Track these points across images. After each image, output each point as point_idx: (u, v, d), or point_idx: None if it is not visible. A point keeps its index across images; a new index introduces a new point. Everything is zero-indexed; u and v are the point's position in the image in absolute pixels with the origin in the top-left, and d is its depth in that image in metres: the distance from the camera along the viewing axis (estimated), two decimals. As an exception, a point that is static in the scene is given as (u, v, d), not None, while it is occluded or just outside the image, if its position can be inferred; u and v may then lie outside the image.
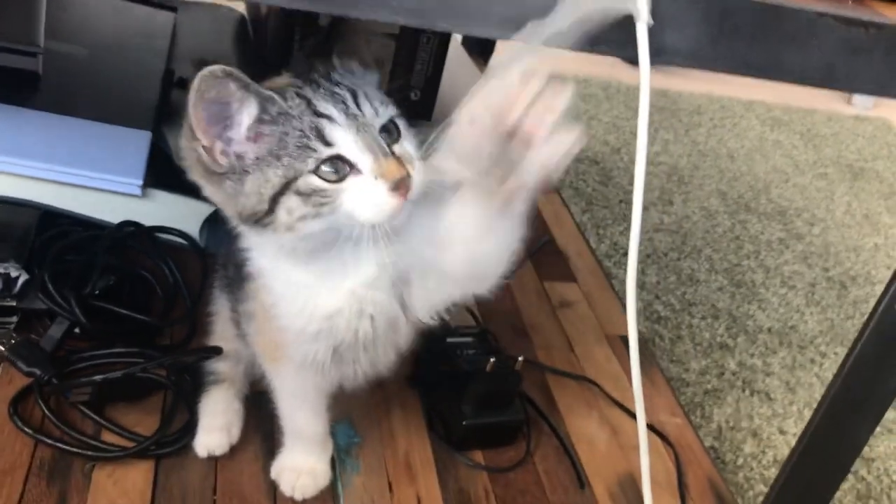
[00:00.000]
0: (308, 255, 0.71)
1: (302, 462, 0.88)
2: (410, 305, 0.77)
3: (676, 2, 0.57)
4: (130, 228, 1.05)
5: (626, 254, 1.89)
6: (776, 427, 1.49)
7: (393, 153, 0.67)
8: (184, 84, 1.30)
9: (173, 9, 1.49)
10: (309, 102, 0.66)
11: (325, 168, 0.65)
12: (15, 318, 0.96)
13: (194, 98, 0.62)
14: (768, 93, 2.94)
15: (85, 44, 1.24)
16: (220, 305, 0.96)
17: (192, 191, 0.69)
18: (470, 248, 0.68)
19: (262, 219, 0.66)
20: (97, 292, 0.99)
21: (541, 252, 1.38)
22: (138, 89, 1.21)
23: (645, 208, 2.10)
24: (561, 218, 1.50)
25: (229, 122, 0.65)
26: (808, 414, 1.54)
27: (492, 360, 0.94)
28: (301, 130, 0.65)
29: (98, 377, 0.88)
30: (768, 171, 2.42)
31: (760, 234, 2.08)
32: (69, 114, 1.11)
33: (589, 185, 2.10)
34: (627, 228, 1.94)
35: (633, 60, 0.56)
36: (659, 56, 0.57)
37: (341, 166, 0.65)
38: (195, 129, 0.64)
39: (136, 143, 1.09)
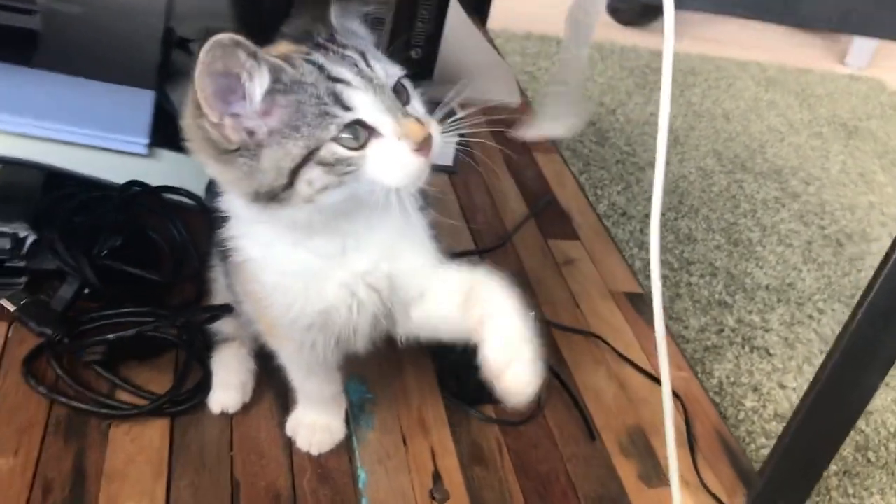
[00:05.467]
0: (319, 229, 0.69)
1: (317, 419, 0.88)
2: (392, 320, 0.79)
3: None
4: (137, 188, 1.05)
5: (624, 213, 1.91)
6: (776, 382, 1.50)
7: (408, 113, 0.66)
8: (184, 44, 1.29)
9: (169, -34, 1.47)
10: (321, 68, 0.64)
11: (344, 135, 0.63)
12: (24, 279, 0.96)
13: (200, 70, 0.59)
14: (762, 53, 2.93)
15: (82, 1, 1.23)
16: (218, 273, 0.95)
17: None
18: (432, 323, 0.78)
19: (278, 194, 0.64)
20: (105, 252, 0.98)
21: (544, 211, 1.38)
22: (139, 48, 1.20)
23: (641, 169, 2.10)
24: (563, 178, 1.50)
25: (240, 95, 0.62)
26: (807, 369, 1.56)
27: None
28: (318, 97, 0.62)
29: (111, 335, 0.88)
30: (763, 131, 2.42)
31: (756, 193, 2.09)
32: (70, 73, 1.09)
33: (586, 147, 2.10)
34: (625, 189, 1.96)
35: (634, 20, 0.56)
36: (683, 3, 0.56)
37: (361, 131, 0.63)
38: (203, 103, 0.60)
39: (140, 102, 1.08)
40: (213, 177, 0.68)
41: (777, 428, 1.41)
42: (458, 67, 1.47)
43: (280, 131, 0.62)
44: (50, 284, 0.97)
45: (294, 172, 0.63)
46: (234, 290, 0.85)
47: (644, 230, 1.83)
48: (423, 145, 0.64)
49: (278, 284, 0.73)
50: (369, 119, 0.64)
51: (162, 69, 1.17)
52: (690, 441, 1.00)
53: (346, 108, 0.63)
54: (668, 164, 2.13)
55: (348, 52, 0.65)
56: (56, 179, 1.03)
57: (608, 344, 1.12)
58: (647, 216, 1.87)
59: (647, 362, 1.11)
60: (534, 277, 1.22)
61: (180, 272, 1.03)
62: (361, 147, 0.63)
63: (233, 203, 0.72)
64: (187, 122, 0.64)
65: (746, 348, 1.57)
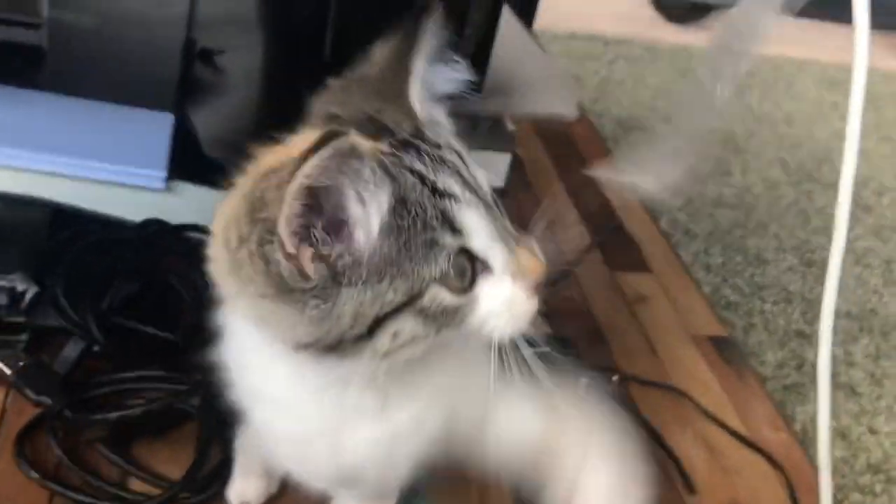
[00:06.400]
0: (372, 384, 0.52)
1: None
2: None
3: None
4: (154, 227, 0.91)
5: (687, 232, 1.75)
6: (866, 426, 1.34)
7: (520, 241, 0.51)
8: (207, 56, 1.16)
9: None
10: (423, 178, 0.47)
11: (452, 272, 0.47)
12: (24, 337, 0.83)
13: (297, 188, 0.42)
14: (819, 52, 2.76)
15: (93, 12, 1.09)
16: None
17: (222, 182, 0.51)
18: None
19: (346, 344, 0.47)
20: (116, 306, 0.85)
21: (609, 239, 1.23)
22: (156, 64, 1.07)
23: (701, 181, 1.95)
24: (628, 199, 1.35)
25: (339, 219, 0.45)
26: (898, 409, 1.40)
27: (583, 381, 0.80)
28: (425, 221, 0.46)
29: (113, 414, 0.74)
30: (829, 137, 2.25)
31: (827, 207, 1.92)
32: (79, 94, 0.97)
33: (640, 157, 1.95)
34: (686, 204, 1.80)
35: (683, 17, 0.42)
36: None
37: (466, 266, 0.47)
38: (284, 228, 0.44)
39: (157, 127, 0.95)
40: (250, 318, 0.49)
41: (871, 481, 1.25)
42: (509, 75, 1.33)
43: (373, 267, 0.46)
44: (55, 341, 0.84)
45: (379, 322, 0.47)
46: None
47: (709, 251, 1.67)
48: (539, 285, 0.49)
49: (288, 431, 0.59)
50: (480, 248, 0.48)
51: (182, 87, 1.04)
52: (799, 523, 0.86)
53: (455, 231, 0.47)
54: (730, 174, 1.98)
55: (445, 154, 0.48)
56: (62, 218, 0.90)
57: (694, 402, 0.97)
58: (712, 234, 1.73)
59: (740, 422, 0.96)
60: (604, 320, 1.07)
61: (201, 326, 0.89)
62: (468, 288, 0.48)
63: (240, 325, 0.54)
64: (232, 248, 0.46)
65: (830, 385, 1.41)
